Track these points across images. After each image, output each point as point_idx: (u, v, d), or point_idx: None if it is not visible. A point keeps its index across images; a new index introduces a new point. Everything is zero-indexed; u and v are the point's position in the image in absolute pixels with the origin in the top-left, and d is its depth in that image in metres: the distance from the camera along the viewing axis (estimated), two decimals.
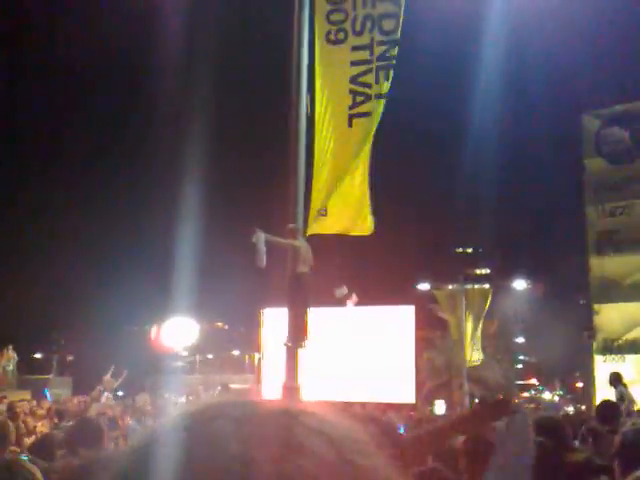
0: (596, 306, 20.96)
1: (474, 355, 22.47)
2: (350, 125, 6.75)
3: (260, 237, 6.45)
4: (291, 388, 8.08)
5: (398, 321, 17.75)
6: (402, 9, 6.96)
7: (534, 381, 56.32)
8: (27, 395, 16.43)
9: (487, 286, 41.50)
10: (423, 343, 33.25)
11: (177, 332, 28.03)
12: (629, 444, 3.46)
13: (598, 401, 9.35)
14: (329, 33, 6.96)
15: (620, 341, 20.24)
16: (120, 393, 18.98)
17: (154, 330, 28.37)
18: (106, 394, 14.80)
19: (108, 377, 15.38)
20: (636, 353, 19.57)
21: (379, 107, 6.69)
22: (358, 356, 17.03)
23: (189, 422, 0.50)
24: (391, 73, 6.80)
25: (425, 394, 26.59)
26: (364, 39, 6.92)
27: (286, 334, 8.19)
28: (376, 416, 4.16)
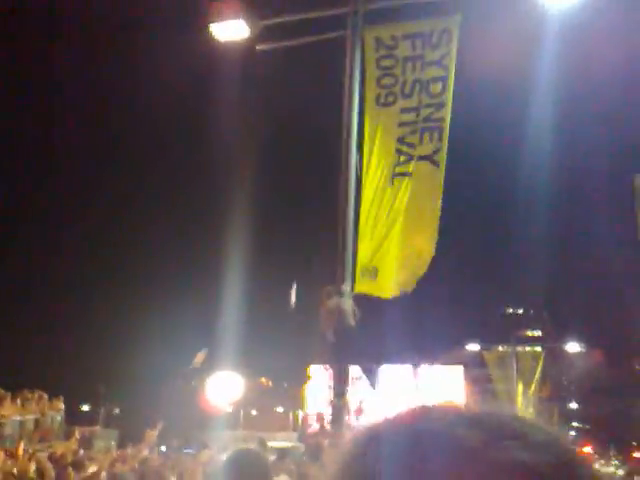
0: None
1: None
2: (392, 184, 6.82)
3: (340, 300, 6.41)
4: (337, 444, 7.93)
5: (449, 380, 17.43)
6: (452, 73, 7.07)
7: (588, 449, 53.86)
8: (73, 446, 16.59)
9: (538, 348, 40.43)
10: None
11: (223, 387, 27.98)
12: None
13: None
14: (379, 96, 7.14)
15: None
16: (163, 448, 18.92)
17: (202, 388, 28.31)
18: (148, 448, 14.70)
19: (154, 432, 15.27)
20: None
21: (420, 168, 6.73)
22: None
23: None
24: (435, 135, 6.86)
25: None
26: (412, 101, 7.06)
27: (331, 390, 8.16)
28: None
